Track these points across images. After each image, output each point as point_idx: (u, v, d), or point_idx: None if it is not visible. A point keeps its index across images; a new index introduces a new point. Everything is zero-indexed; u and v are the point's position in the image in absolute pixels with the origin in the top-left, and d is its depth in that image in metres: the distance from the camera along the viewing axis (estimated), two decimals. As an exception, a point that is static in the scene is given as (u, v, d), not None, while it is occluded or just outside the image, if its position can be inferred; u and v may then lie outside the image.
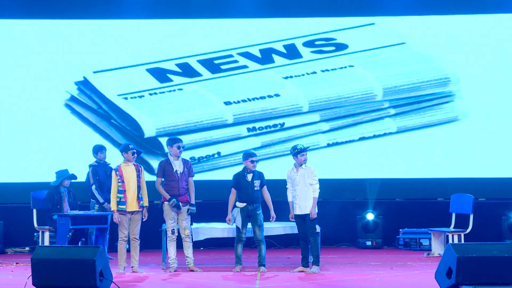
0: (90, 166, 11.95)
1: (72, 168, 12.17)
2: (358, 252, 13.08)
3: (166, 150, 10.84)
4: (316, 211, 10.36)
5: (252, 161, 10.55)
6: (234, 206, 10.66)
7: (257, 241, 10.57)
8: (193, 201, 10.65)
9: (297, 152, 10.41)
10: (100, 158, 11.94)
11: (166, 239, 10.69)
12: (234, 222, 10.62)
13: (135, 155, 10.64)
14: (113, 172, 10.61)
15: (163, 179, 10.60)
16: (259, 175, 10.61)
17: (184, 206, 10.57)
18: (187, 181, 10.66)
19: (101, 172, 11.87)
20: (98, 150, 12.00)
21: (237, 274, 10.30)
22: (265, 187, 10.65)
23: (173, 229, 10.54)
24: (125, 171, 10.55)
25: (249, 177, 10.57)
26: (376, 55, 13.79)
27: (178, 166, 10.59)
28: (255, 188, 10.53)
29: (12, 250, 13.31)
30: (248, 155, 10.63)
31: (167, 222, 10.59)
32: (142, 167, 10.77)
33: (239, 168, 10.97)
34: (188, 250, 10.62)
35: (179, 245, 10.65)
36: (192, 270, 10.54)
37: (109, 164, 11.94)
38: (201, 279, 9.93)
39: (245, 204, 10.54)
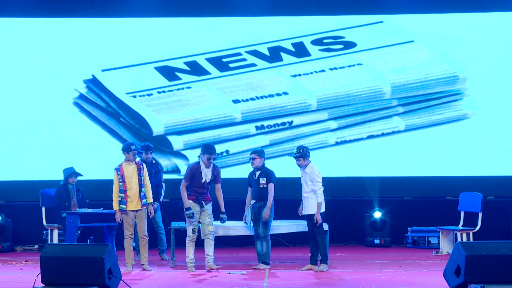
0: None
1: (81, 166, 12.22)
2: (367, 250, 13.07)
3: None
4: (321, 213, 10.28)
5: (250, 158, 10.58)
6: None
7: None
8: (223, 209, 10.54)
9: None
10: (147, 158, 11.63)
11: (175, 237, 10.70)
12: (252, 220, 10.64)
13: (136, 156, 10.67)
14: (115, 172, 10.60)
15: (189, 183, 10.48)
16: (265, 173, 10.62)
17: (206, 204, 10.45)
18: (210, 184, 10.53)
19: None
20: (145, 150, 11.63)
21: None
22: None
23: (194, 228, 10.40)
24: (126, 171, 10.54)
25: (256, 174, 10.63)
26: (385, 53, 13.78)
27: (207, 176, 10.44)
28: (261, 186, 10.56)
29: (21, 248, 13.35)
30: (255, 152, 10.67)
31: (188, 221, 10.46)
32: (143, 165, 10.75)
33: (248, 166, 10.96)
34: (210, 248, 10.42)
35: (197, 245, 10.52)
36: (212, 269, 10.37)
37: (154, 162, 11.77)
38: (209, 276, 9.92)
39: (254, 201, 10.62)
